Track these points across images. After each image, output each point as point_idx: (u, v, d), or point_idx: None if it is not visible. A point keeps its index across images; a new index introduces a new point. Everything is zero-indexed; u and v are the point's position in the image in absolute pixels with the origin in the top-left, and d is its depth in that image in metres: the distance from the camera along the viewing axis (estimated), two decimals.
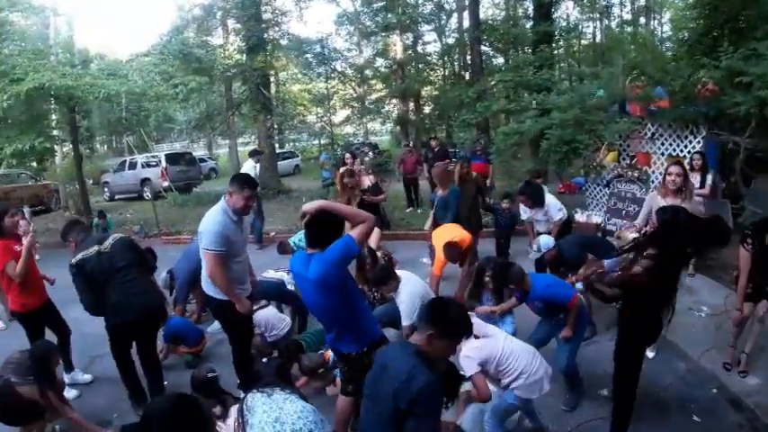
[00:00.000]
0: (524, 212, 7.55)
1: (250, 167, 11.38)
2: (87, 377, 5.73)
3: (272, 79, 23.34)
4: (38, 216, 18.06)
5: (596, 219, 9.03)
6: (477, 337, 3.92)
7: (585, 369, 4.80)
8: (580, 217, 9.16)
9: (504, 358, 3.86)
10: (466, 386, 3.92)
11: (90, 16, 65.16)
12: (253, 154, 12.48)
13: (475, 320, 3.89)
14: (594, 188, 10.39)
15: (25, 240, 5.09)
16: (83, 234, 4.99)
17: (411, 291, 5.05)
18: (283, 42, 20.66)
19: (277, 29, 20.08)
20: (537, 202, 7.10)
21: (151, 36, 69.18)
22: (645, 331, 3.86)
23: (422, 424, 2.46)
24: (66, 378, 5.46)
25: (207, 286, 4.50)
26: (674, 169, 5.38)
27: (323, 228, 3.36)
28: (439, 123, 24.83)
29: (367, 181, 9.46)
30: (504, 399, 3.94)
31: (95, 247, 4.64)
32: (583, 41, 31.35)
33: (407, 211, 13.40)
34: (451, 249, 6.29)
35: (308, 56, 20.99)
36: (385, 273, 5.22)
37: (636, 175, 9.11)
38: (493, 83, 16.29)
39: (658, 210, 3.90)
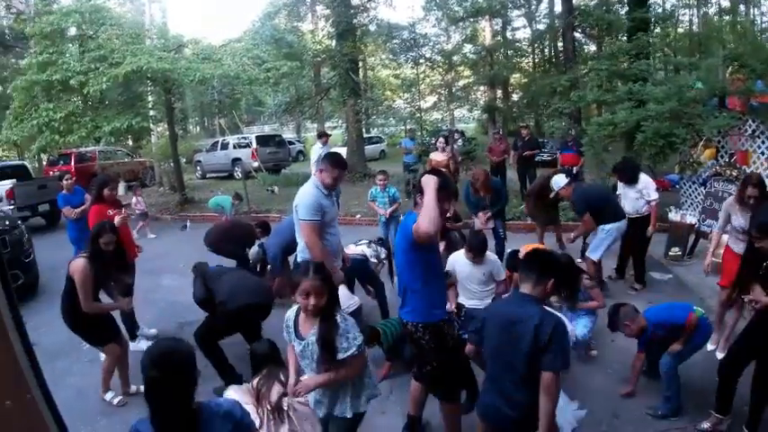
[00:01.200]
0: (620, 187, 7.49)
1: (317, 150, 11.82)
2: (153, 331, 6.34)
3: (360, 64, 23.52)
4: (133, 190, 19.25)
5: (691, 219, 8.57)
6: None
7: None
8: (674, 216, 8.71)
9: None
10: None
11: (182, 4, 67.77)
12: (320, 136, 13.59)
13: None
14: (690, 186, 9.88)
15: (118, 218, 5.77)
16: None
17: None
18: (372, 28, 20.79)
19: (366, 14, 20.24)
20: (630, 179, 7.10)
21: (242, 23, 71.17)
22: None
23: (557, 355, 2.83)
24: (132, 345, 5.84)
25: (303, 258, 4.77)
26: (752, 191, 5.07)
27: (419, 191, 3.61)
28: (527, 112, 24.30)
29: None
30: None
31: None
32: (679, 29, 29.70)
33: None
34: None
35: (396, 41, 20.98)
36: None
37: (734, 174, 8.59)
38: (585, 71, 15.76)
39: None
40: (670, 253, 8.35)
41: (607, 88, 12.04)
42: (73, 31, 15.45)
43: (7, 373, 1.60)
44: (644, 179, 7.17)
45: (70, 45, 15.57)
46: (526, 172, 13.09)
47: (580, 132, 12.76)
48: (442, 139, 10.73)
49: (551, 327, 2.83)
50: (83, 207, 7.40)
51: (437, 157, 10.18)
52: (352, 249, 6.65)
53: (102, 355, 5.22)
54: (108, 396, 4.96)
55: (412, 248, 3.49)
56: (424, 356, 3.71)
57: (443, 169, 9.57)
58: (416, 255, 3.52)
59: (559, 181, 7.08)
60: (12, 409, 1.59)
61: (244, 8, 71.40)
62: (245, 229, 8.10)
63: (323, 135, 13.80)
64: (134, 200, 12.21)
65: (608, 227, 6.63)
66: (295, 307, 3.18)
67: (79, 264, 4.63)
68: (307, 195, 4.58)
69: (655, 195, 7.02)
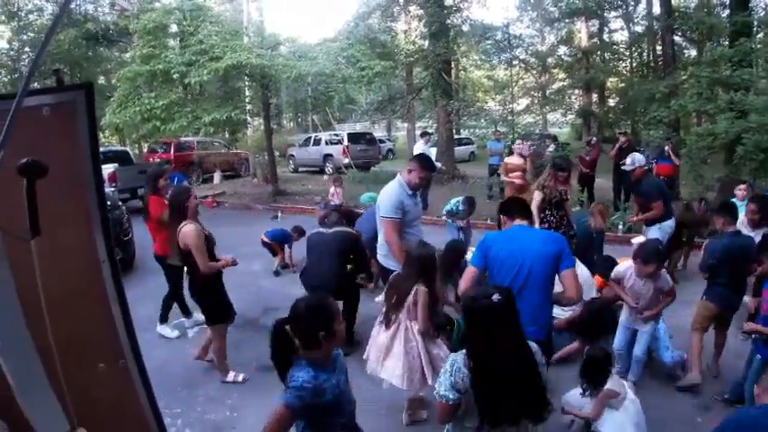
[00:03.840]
0: None
1: (420, 148, 12.07)
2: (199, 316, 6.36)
3: (452, 65, 23.44)
4: (228, 180, 20.20)
5: None
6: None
7: None
8: None
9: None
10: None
11: (279, 3, 69.88)
12: (423, 135, 14.51)
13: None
14: None
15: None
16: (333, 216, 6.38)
17: None
18: (465, 28, 20.74)
19: (459, 14, 20.18)
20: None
21: (335, 23, 72.53)
22: None
23: None
24: (187, 323, 6.24)
25: (382, 257, 4.94)
26: None
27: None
28: (624, 118, 23.48)
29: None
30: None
31: (323, 228, 5.94)
32: None
33: (575, 209, 12.25)
34: None
35: (489, 42, 20.80)
36: None
37: None
38: (685, 77, 15.06)
39: None
40: None
41: (708, 97, 11.46)
42: (174, 28, 16.37)
43: (104, 340, 1.79)
44: None
45: (171, 41, 16.53)
46: (622, 182, 12.44)
47: (678, 142, 12.19)
48: (520, 143, 10.36)
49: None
50: None
51: (513, 161, 9.83)
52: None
53: (190, 332, 5.54)
54: (230, 377, 5.10)
55: (554, 263, 3.40)
56: None
57: (520, 173, 9.43)
58: (553, 271, 3.42)
59: (639, 158, 7.11)
60: (104, 371, 1.77)
61: (338, 8, 72.64)
62: (350, 212, 9.66)
63: (426, 134, 14.67)
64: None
65: (665, 224, 6.75)
66: None
67: (188, 229, 4.70)
68: (389, 193, 4.71)
69: None
